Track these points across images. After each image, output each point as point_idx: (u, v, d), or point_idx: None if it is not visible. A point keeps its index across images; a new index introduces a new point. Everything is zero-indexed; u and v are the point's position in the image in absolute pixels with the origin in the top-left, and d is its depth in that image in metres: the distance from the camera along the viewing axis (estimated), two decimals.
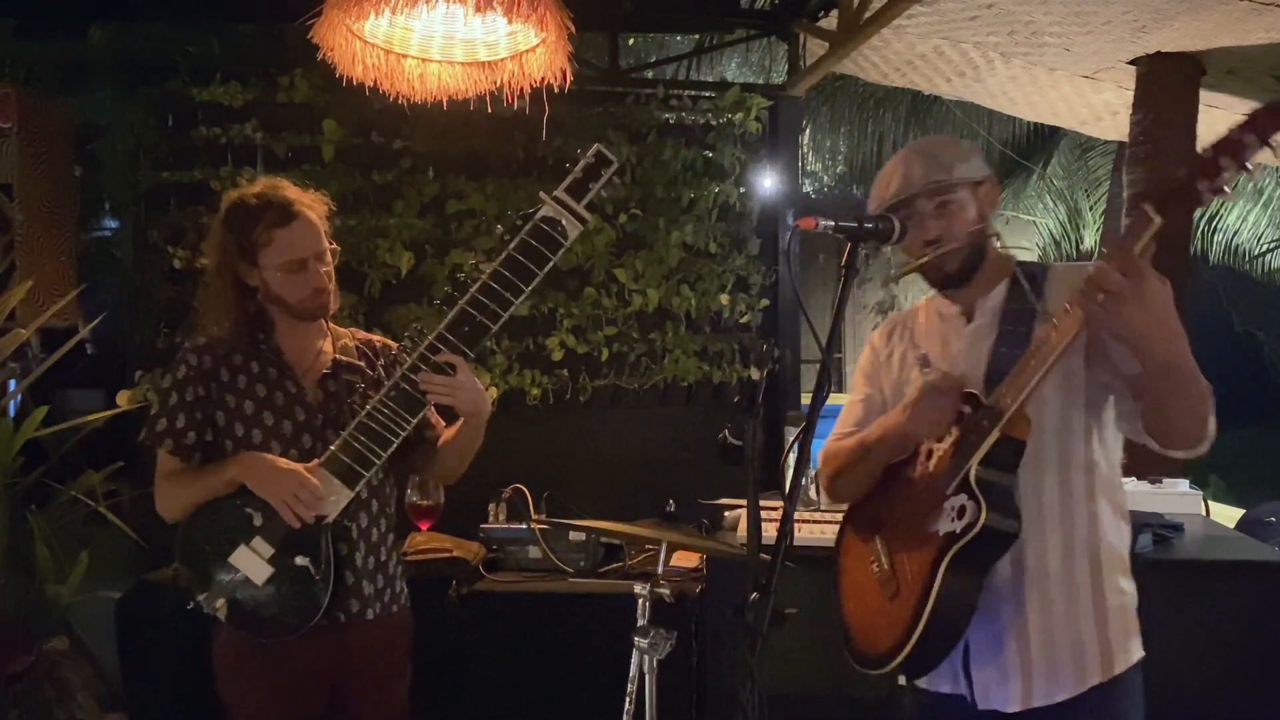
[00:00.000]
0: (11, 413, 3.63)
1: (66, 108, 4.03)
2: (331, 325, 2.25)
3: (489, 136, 3.86)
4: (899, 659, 1.69)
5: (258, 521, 2.02)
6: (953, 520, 1.67)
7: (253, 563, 2.02)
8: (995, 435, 1.66)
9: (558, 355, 3.93)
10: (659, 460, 3.98)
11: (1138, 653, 1.79)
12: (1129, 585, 1.81)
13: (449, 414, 2.17)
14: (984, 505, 1.63)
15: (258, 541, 2.02)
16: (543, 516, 3.25)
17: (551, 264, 2.04)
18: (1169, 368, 1.59)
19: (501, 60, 2.73)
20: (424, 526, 3.25)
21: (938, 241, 1.79)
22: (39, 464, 3.50)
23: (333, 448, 2.04)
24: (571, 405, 3.97)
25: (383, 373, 2.19)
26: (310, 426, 2.12)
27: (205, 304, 2.16)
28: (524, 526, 3.20)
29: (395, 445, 2.04)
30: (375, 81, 2.72)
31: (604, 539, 3.10)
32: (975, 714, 1.78)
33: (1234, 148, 1.48)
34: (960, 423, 1.73)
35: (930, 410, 1.74)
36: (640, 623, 2.24)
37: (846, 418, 2.04)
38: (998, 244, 1.88)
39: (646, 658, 2.23)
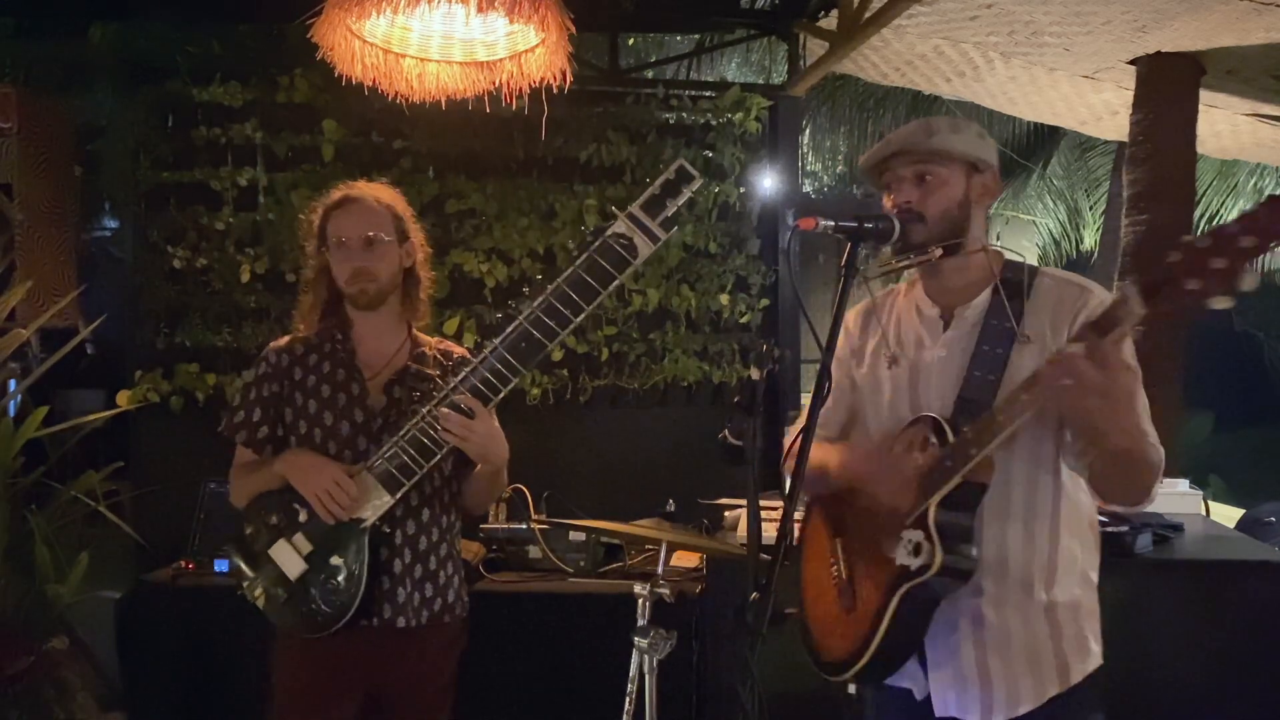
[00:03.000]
0: (11, 413, 3.62)
1: (66, 108, 4.03)
2: (416, 333, 2.29)
3: (489, 136, 3.86)
4: (850, 674, 1.72)
5: (303, 518, 2.08)
6: (909, 554, 1.67)
7: (289, 557, 2.07)
8: (957, 480, 1.65)
9: (558, 355, 3.92)
10: (659, 460, 3.98)
11: (1094, 661, 1.77)
12: (1086, 594, 1.79)
13: None
14: (938, 550, 1.63)
15: (299, 537, 2.08)
16: (543, 516, 3.25)
17: (617, 283, 1.99)
18: (1119, 457, 1.60)
19: (500, 60, 2.73)
20: None
21: (908, 207, 1.75)
22: (39, 464, 3.50)
23: (380, 454, 2.06)
24: (571, 405, 3.97)
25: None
26: (367, 430, 2.14)
27: (300, 305, 2.26)
28: (524, 526, 3.20)
29: (439, 458, 2.05)
30: (374, 81, 2.72)
31: (604, 539, 3.10)
32: (930, 715, 1.78)
33: (1228, 246, 1.33)
34: (924, 449, 1.71)
35: (888, 481, 1.72)
36: (640, 623, 2.24)
37: (828, 411, 1.99)
38: (995, 245, 1.85)
39: (646, 658, 2.23)
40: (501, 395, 2.03)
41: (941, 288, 1.86)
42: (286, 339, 2.26)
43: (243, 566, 2.12)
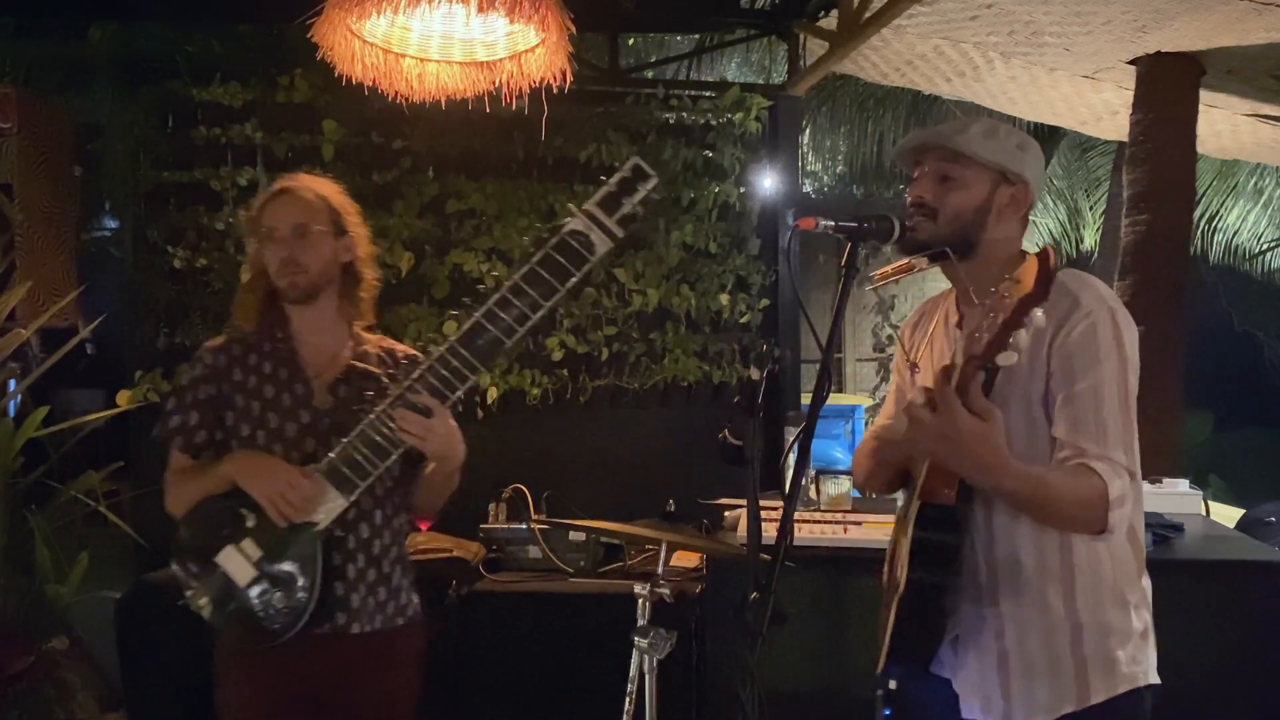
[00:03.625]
0: (11, 413, 3.62)
1: (66, 108, 4.03)
2: (358, 330, 2.22)
3: (489, 136, 3.86)
4: (880, 665, 1.76)
5: (250, 523, 1.99)
6: (900, 566, 1.70)
7: (238, 564, 1.99)
8: (917, 504, 1.66)
9: (558, 355, 3.92)
10: (659, 460, 3.98)
11: (1125, 685, 1.71)
12: (1119, 616, 1.72)
13: None
14: (904, 569, 1.66)
15: (248, 543, 1.99)
16: (543, 516, 3.25)
17: (575, 280, 1.94)
18: (1009, 498, 1.60)
19: (500, 60, 2.74)
20: (424, 526, 3.24)
21: (922, 202, 1.74)
22: (39, 464, 3.50)
23: (331, 455, 1.99)
24: (571, 405, 3.97)
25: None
26: (315, 431, 2.07)
27: (238, 301, 2.18)
28: (524, 526, 3.20)
29: (394, 458, 1.99)
30: (374, 81, 2.72)
31: (604, 539, 3.10)
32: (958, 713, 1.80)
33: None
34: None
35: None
36: (640, 623, 2.24)
37: (885, 408, 2.07)
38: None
39: (646, 658, 2.23)
40: (459, 394, 1.97)
41: (964, 296, 1.84)
42: (222, 338, 2.16)
43: (187, 574, 2.02)
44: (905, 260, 1.81)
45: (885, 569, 1.86)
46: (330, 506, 1.99)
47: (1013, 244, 1.81)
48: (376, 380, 2.12)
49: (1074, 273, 1.75)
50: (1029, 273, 1.34)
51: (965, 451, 1.50)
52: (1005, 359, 1.42)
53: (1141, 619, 1.76)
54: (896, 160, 1.91)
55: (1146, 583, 1.79)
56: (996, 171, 1.76)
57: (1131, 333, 1.69)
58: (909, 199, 1.77)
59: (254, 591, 1.98)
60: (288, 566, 1.98)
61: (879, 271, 1.85)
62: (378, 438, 1.97)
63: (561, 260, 1.93)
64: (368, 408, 1.99)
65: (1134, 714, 1.73)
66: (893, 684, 1.80)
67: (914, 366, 1.89)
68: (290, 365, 2.12)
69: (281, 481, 1.96)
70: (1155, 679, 1.75)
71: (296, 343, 2.14)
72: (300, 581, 1.98)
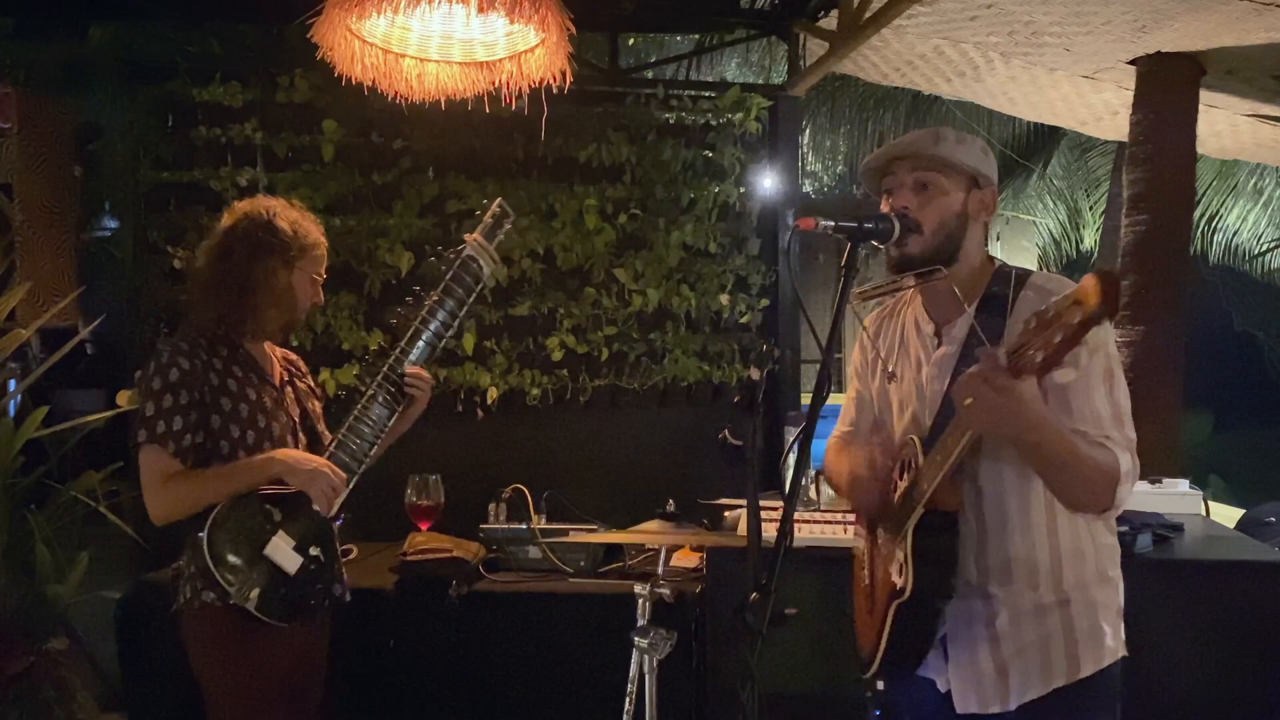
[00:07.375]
0: (11, 413, 3.62)
1: (66, 108, 4.03)
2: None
3: (489, 136, 3.86)
4: (872, 670, 1.78)
5: (277, 517, 2.19)
6: (897, 573, 1.70)
7: (284, 554, 2.20)
8: (920, 512, 1.67)
9: (558, 355, 3.92)
10: (659, 460, 3.97)
11: (1110, 656, 1.78)
12: (1102, 591, 1.80)
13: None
14: (910, 577, 1.66)
15: (281, 535, 2.20)
16: (542, 521, 3.24)
17: (473, 298, 2.46)
18: (1051, 464, 1.60)
19: (500, 60, 2.73)
20: (424, 526, 3.24)
21: (905, 214, 1.74)
22: (39, 464, 3.50)
23: (332, 447, 2.26)
24: (571, 405, 3.97)
25: (311, 382, 2.51)
26: (292, 428, 2.31)
27: (209, 299, 2.23)
28: (524, 526, 3.20)
29: (379, 446, 2.32)
30: (374, 81, 2.72)
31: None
32: (950, 710, 1.80)
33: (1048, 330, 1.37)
34: (910, 472, 1.73)
35: (884, 502, 1.78)
36: (640, 623, 2.24)
37: (844, 415, 2.07)
38: (993, 260, 1.85)
39: (646, 658, 2.23)
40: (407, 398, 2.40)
41: (935, 303, 1.86)
42: (186, 343, 2.20)
43: (227, 572, 2.14)
44: (893, 279, 1.80)
45: (866, 574, 1.86)
46: (342, 494, 2.29)
47: (981, 249, 1.85)
48: (305, 378, 2.47)
49: (1047, 275, 1.82)
50: (1090, 293, 1.29)
51: (1022, 417, 1.51)
52: (1063, 376, 1.44)
53: (1120, 595, 1.84)
54: (863, 177, 1.89)
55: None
56: (969, 177, 1.78)
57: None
58: (892, 210, 1.76)
59: (302, 577, 2.21)
60: (315, 551, 2.24)
61: (861, 291, 1.84)
62: (364, 427, 2.31)
63: (466, 278, 2.42)
64: (362, 395, 2.34)
65: (1113, 684, 1.80)
66: (880, 684, 1.81)
67: (891, 375, 1.88)
68: (254, 368, 2.28)
69: (329, 474, 2.21)
70: (1125, 651, 1.83)
71: (247, 347, 2.31)
72: (327, 563, 2.26)
